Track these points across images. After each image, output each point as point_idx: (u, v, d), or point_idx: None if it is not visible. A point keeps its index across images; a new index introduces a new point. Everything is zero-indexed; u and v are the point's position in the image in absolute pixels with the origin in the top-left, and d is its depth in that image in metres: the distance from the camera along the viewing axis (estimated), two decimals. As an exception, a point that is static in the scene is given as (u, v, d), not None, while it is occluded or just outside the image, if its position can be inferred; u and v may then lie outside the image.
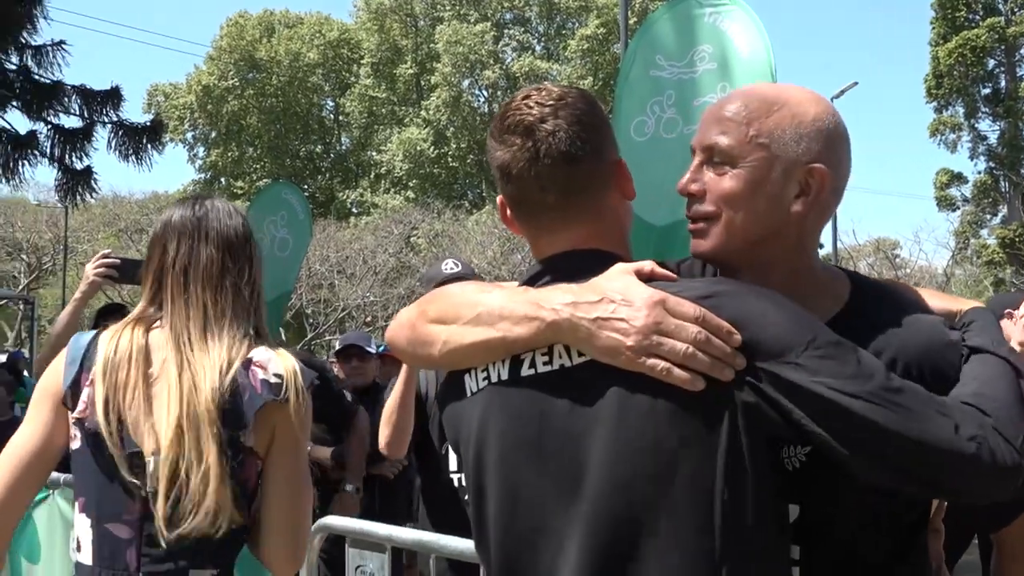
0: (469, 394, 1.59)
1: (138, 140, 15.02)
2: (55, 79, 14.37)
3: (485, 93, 43.14)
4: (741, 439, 1.37)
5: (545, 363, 1.51)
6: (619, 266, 1.51)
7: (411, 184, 40.57)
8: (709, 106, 1.66)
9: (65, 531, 3.67)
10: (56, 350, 3.93)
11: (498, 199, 1.72)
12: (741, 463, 1.36)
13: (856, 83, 28.49)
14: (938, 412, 1.35)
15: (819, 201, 1.56)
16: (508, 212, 1.69)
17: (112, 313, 4.52)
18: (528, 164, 1.59)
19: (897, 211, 78.63)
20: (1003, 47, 34.83)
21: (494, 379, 1.55)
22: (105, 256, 3.86)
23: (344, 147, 45.84)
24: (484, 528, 1.58)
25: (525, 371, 1.52)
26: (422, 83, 43.79)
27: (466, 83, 42.72)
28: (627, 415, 1.41)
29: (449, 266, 3.92)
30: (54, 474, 3.58)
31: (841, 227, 29.76)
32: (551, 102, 1.59)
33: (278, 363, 2.05)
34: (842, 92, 28.31)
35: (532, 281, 1.62)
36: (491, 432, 1.55)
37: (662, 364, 1.38)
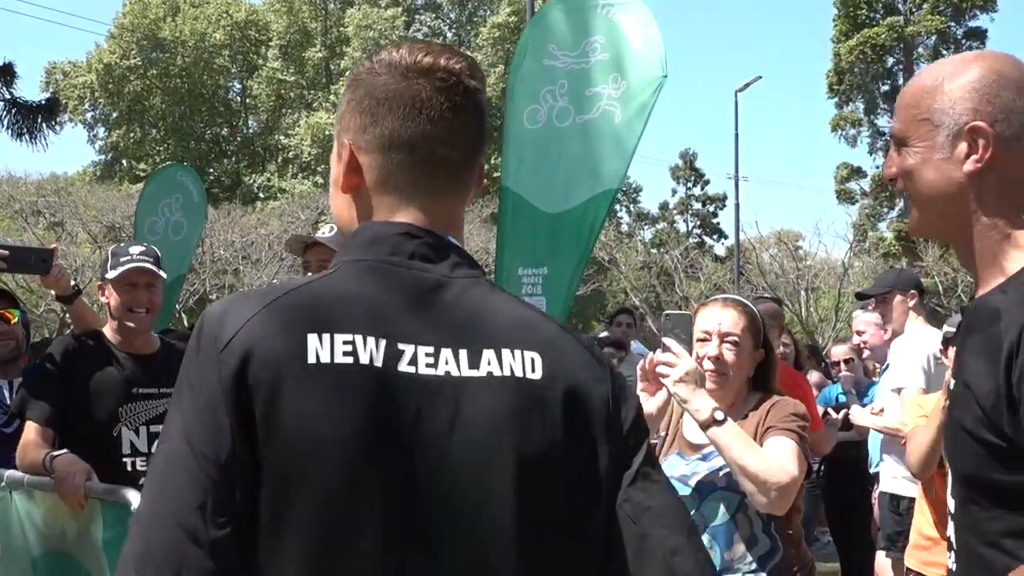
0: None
1: (32, 119, 14.58)
2: (-58, 54, 13.88)
3: (395, 79, 42.78)
4: None
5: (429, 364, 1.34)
6: None
7: (319, 169, 40.03)
8: None
9: (22, 530, 3.53)
10: None
11: (347, 142, 1.45)
12: None
13: (760, 77, 29.01)
14: None
15: (991, 156, 1.64)
16: (372, 160, 1.44)
17: None
18: (449, 109, 1.41)
19: (799, 203, 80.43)
20: (902, 45, 35.87)
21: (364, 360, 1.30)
22: None
23: (251, 130, 45.06)
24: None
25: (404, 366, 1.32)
26: (331, 67, 43.25)
27: (376, 68, 42.29)
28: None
29: (324, 231, 4.05)
30: (16, 473, 3.48)
31: (744, 219, 30.28)
32: (468, 61, 1.46)
33: None
34: (746, 86, 28.83)
35: (436, 256, 1.41)
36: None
37: None
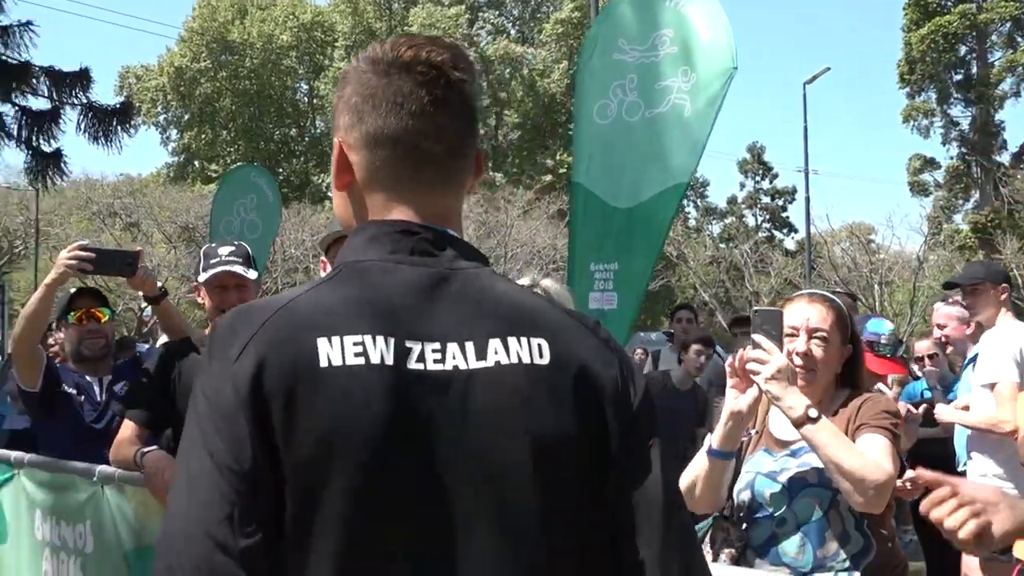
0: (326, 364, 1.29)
1: (108, 122, 14.90)
2: (23, 60, 14.22)
3: (460, 77, 42.99)
4: None
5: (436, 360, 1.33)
6: None
7: (386, 168, 40.41)
8: None
9: (30, 511, 3.65)
10: (26, 332, 3.92)
11: (337, 140, 1.46)
12: None
13: (829, 68, 28.57)
14: None
15: None
16: (360, 157, 1.44)
17: (84, 296, 4.50)
18: (431, 103, 1.40)
19: (870, 196, 79.01)
20: (974, 33, 35.08)
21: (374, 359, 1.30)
22: (82, 248, 3.82)
23: (319, 130, 45.58)
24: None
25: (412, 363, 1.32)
26: (397, 66, 43.55)
27: (441, 66, 42.52)
28: None
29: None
30: (19, 454, 3.56)
31: (815, 212, 29.87)
32: (452, 52, 1.44)
33: None
34: (815, 77, 28.39)
35: (436, 250, 1.41)
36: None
37: None
